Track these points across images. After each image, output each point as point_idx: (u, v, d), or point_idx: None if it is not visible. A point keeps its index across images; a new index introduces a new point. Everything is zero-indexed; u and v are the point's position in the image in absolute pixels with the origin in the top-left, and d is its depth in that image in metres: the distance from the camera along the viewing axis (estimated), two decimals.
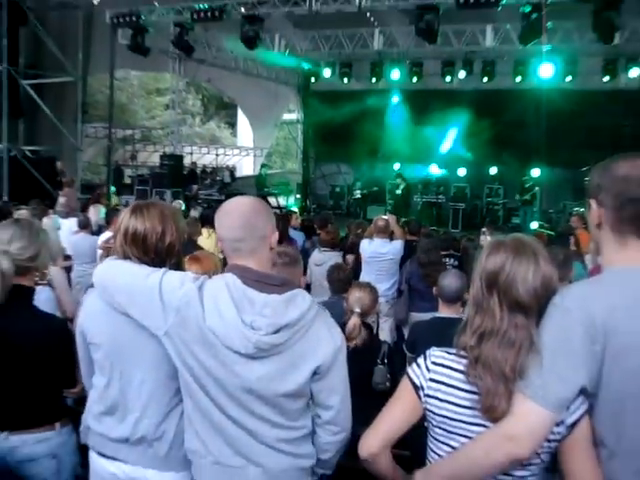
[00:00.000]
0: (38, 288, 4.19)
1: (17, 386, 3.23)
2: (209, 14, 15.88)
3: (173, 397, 2.67)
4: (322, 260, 8.12)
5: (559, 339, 2.08)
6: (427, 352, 2.41)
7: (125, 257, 2.70)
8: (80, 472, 3.40)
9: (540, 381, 2.07)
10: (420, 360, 2.40)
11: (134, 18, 16.87)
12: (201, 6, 15.97)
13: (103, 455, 2.80)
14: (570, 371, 2.05)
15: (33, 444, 3.25)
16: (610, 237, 2.22)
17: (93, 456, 2.86)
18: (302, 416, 2.53)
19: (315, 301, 2.53)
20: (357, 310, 4.65)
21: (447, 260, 8.41)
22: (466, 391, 2.25)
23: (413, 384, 2.36)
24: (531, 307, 2.20)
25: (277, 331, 2.38)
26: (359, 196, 22.42)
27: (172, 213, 2.82)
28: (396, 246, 8.65)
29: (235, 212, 2.55)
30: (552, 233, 14.84)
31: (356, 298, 4.77)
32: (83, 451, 3.21)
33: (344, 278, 5.99)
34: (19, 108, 17.99)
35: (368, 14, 17.43)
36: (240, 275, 2.45)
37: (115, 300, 2.62)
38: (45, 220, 9.36)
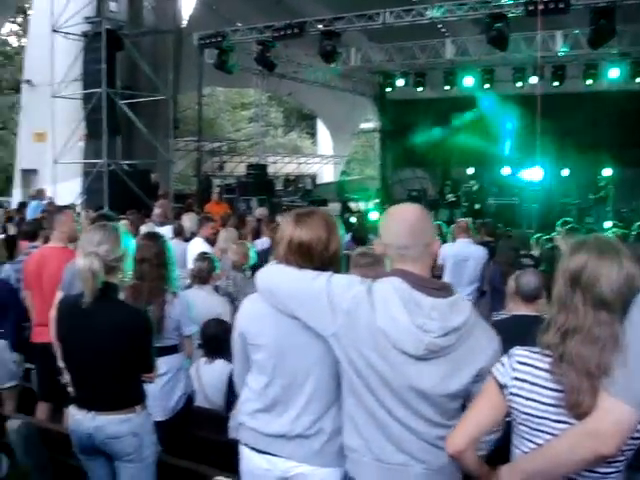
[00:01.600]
0: (180, 293, 4.90)
1: (103, 372, 3.47)
2: (289, 32, 16.57)
3: (332, 395, 2.72)
4: None
5: None
6: (511, 351, 2.42)
7: (287, 264, 2.76)
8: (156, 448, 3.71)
9: (625, 379, 2.05)
10: (504, 359, 2.41)
11: (219, 39, 17.78)
12: (281, 24, 16.68)
13: (256, 450, 2.86)
14: None
15: (117, 424, 3.46)
16: None
17: (245, 451, 2.92)
18: (457, 415, 2.53)
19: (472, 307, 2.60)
20: None
21: (524, 260, 8.15)
22: (550, 389, 2.27)
23: (498, 383, 2.36)
24: (615, 304, 2.19)
25: (446, 334, 2.43)
26: (452, 200, 22.27)
27: (333, 222, 2.86)
28: (479, 248, 8.83)
29: (402, 219, 2.61)
30: (626, 232, 15.07)
31: None
32: None
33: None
34: (117, 126, 19.17)
35: (439, 25, 18.08)
36: (405, 279, 2.50)
37: (281, 302, 2.69)
38: (143, 228, 9.87)
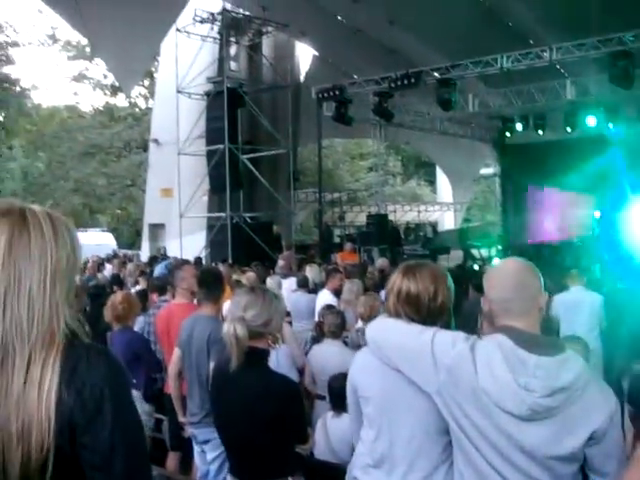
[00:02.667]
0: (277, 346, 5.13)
1: (254, 440, 3.39)
2: (405, 82, 16.46)
3: (442, 452, 2.67)
4: None
5: None
6: None
7: (397, 316, 2.77)
8: None
9: None
10: None
11: (337, 92, 17.90)
12: (398, 75, 16.63)
13: None
14: None
15: None
16: None
17: None
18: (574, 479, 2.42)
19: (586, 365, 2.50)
20: None
21: None
22: None
23: None
24: None
25: (551, 394, 2.33)
26: (572, 245, 21.53)
27: (442, 274, 2.87)
28: (592, 294, 8.58)
29: (506, 273, 2.58)
30: None
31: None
32: None
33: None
34: (239, 180, 19.73)
35: (558, 66, 17.77)
36: (510, 336, 2.42)
37: (387, 356, 2.69)
38: (268, 280, 10.06)
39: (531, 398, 2.31)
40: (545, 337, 2.57)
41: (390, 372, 2.67)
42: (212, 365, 4.25)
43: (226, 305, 5.10)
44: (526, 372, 2.34)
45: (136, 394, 5.88)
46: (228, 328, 3.33)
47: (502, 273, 2.60)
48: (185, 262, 8.72)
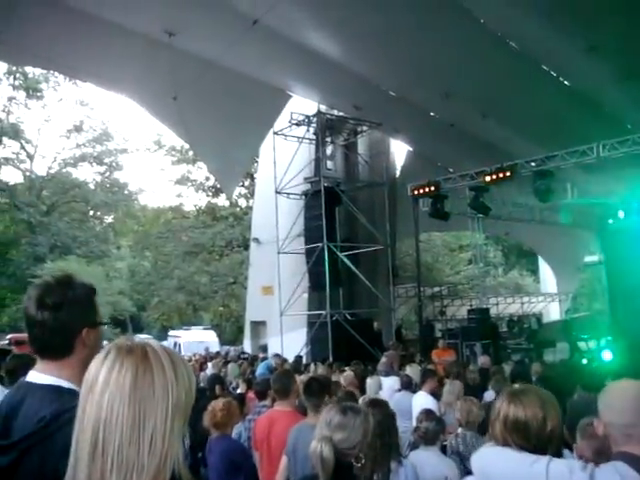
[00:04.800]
0: (405, 461, 4.70)
1: None
2: (501, 175, 16.42)
3: None
4: None
5: None
6: None
7: (505, 444, 2.66)
8: None
9: None
10: None
11: (432, 188, 17.98)
12: (492, 168, 16.59)
13: None
14: None
15: None
16: None
17: None
18: None
19: None
20: None
21: None
22: None
23: None
24: None
25: None
26: None
27: (550, 399, 2.76)
28: None
29: (628, 395, 2.48)
30: None
31: None
32: None
33: None
34: (338, 277, 19.90)
35: None
36: (632, 465, 2.30)
37: None
38: (368, 381, 9.84)
39: None
40: None
41: None
42: None
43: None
44: None
45: None
46: (315, 447, 3.24)
47: (622, 395, 2.49)
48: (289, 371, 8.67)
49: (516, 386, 2.97)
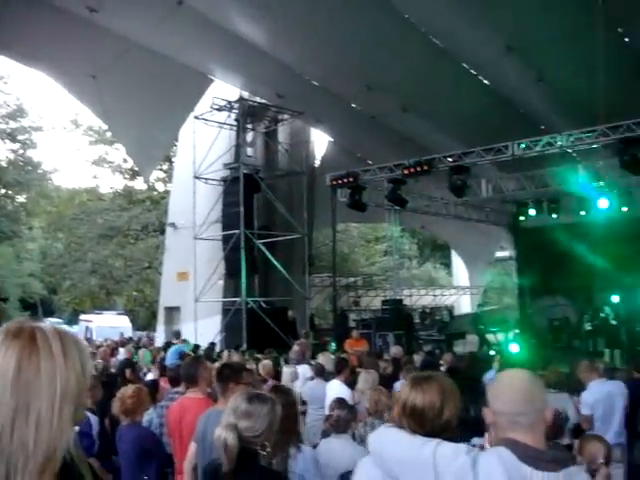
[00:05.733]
0: (304, 448, 4.74)
1: None
2: (418, 168, 16.59)
3: None
4: (552, 402, 7.66)
5: None
6: None
7: (400, 427, 2.74)
8: None
9: None
10: None
11: (351, 179, 18.08)
12: (411, 162, 16.74)
13: None
14: None
15: None
16: None
17: None
18: None
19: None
20: (602, 461, 4.55)
21: None
22: None
23: None
24: None
25: None
26: (590, 328, 21.49)
27: (450, 388, 2.82)
28: (618, 384, 8.29)
29: (515, 386, 2.54)
30: None
31: (596, 450, 4.69)
32: None
33: (559, 424, 5.88)
34: (254, 265, 19.87)
35: (570, 150, 17.93)
36: (514, 450, 2.37)
37: (389, 468, 2.65)
38: (285, 370, 10.15)
39: None
40: (550, 452, 2.50)
41: None
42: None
43: None
44: None
45: None
46: (219, 434, 3.29)
47: (510, 386, 2.54)
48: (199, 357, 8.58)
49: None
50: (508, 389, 2.53)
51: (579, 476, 2.40)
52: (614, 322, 20.27)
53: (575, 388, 8.50)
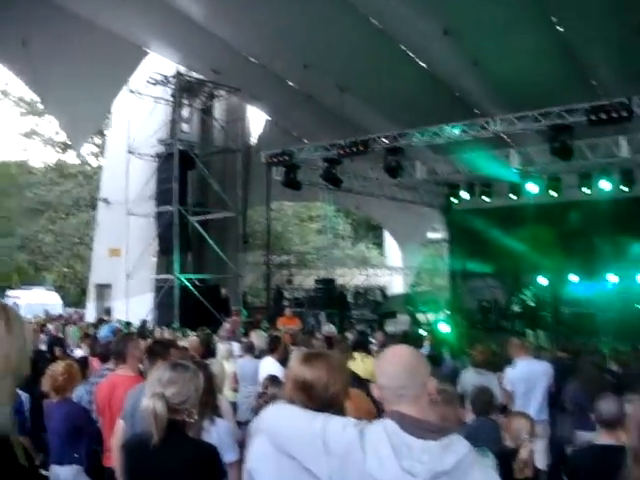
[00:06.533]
0: (217, 420, 4.78)
1: None
2: (354, 149, 16.79)
3: None
4: (479, 381, 7.73)
5: None
6: None
7: (292, 402, 2.82)
8: None
9: None
10: None
11: (286, 157, 18.20)
12: (346, 142, 16.94)
13: None
14: None
15: None
16: None
17: None
18: None
19: (472, 447, 2.51)
20: (526, 437, 4.65)
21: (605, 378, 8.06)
22: None
23: None
24: None
25: (434, 478, 2.36)
26: (518, 310, 21.88)
27: (339, 364, 2.94)
28: (544, 365, 8.51)
29: (398, 360, 2.61)
30: None
31: (520, 426, 4.79)
32: None
33: (487, 400, 6.05)
34: (188, 242, 19.71)
35: (503, 135, 18.23)
36: (398, 421, 2.46)
37: (280, 443, 2.71)
38: (219, 346, 10.13)
39: None
40: (433, 422, 2.59)
41: (285, 459, 2.67)
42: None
43: None
44: (411, 456, 2.37)
45: (77, 469, 5.74)
46: (147, 404, 3.34)
47: (394, 360, 2.63)
48: (130, 334, 8.50)
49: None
50: (392, 364, 2.61)
51: (459, 443, 2.44)
52: (540, 304, 20.82)
53: (502, 367, 8.71)
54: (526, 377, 8.20)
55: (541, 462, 6.66)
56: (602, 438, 4.62)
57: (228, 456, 4.71)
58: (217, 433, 4.62)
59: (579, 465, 4.76)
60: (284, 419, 2.76)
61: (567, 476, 4.80)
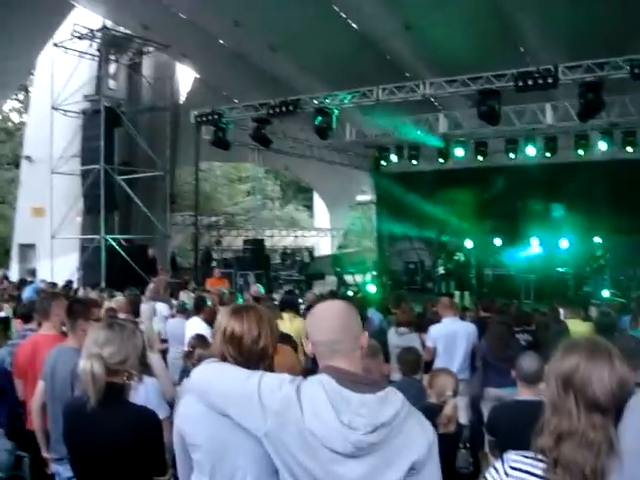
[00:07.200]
0: (145, 378, 4.61)
1: (113, 475, 3.31)
2: (284, 109, 16.77)
3: None
4: (401, 341, 8.06)
5: (639, 443, 2.01)
6: (504, 456, 2.36)
7: (222, 356, 2.79)
8: None
9: None
10: (498, 465, 2.34)
11: (216, 116, 18.03)
12: (276, 102, 16.88)
13: None
14: None
15: None
16: None
17: None
18: None
19: (405, 399, 2.54)
20: (450, 393, 4.73)
21: (521, 336, 8.34)
22: None
23: None
24: (608, 407, 2.14)
25: (374, 430, 2.37)
26: (443, 272, 22.19)
27: (269, 317, 2.91)
28: (467, 325, 8.67)
29: (331, 315, 2.61)
30: (624, 301, 15.01)
31: (444, 383, 4.89)
32: None
33: (415, 360, 6.18)
34: (114, 202, 19.37)
35: (432, 99, 18.40)
36: (334, 376, 2.46)
37: (213, 402, 2.66)
38: (143, 306, 9.94)
39: (355, 435, 2.35)
40: (367, 376, 2.62)
41: (218, 418, 2.64)
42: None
43: None
44: (349, 410, 2.37)
45: None
46: (84, 365, 3.27)
47: (326, 315, 2.62)
48: (55, 293, 8.35)
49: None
50: (325, 319, 2.61)
51: (394, 396, 2.48)
52: (465, 266, 21.24)
53: (426, 327, 8.89)
54: (449, 335, 8.38)
55: (463, 419, 6.73)
56: (522, 393, 4.81)
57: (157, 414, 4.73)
58: (145, 392, 4.55)
59: (499, 420, 4.90)
60: (216, 377, 2.71)
61: (488, 431, 4.95)
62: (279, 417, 2.44)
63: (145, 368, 4.77)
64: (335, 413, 2.38)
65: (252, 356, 2.77)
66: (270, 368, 2.79)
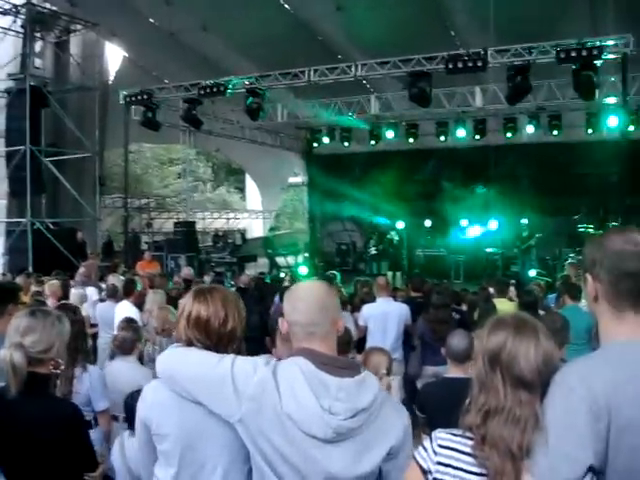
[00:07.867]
0: (90, 367, 4.76)
1: (35, 472, 3.18)
2: (214, 89, 16.74)
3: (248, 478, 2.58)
4: None
5: (563, 418, 2.01)
6: (433, 434, 2.35)
7: (188, 341, 2.71)
8: None
9: (547, 461, 2.00)
10: (426, 443, 2.34)
11: (145, 96, 17.84)
12: (207, 82, 16.82)
13: None
14: (576, 450, 1.94)
15: None
16: (607, 311, 2.16)
17: None
18: None
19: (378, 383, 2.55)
20: (384, 372, 4.77)
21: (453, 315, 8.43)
22: (474, 473, 2.21)
23: (421, 468, 2.30)
24: (534, 384, 2.17)
25: (354, 415, 2.36)
26: (375, 252, 22.49)
27: (235, 299, 2.84)
28: (400, 306, 8.81)
29: (311, 295, 2.58)
30: (549, 280, 15.39)
31: (379, 361, 4.97)
32: None
33: (346, 340, 6.15)
34: (41, 184, 18.87)
35: (364, 81, 18.49)
36: (310, 358, 2.43)
37: (183, 388, 2.57)
38: (72, 291, 9.80)
39: (335, 421, 2.33)
40: (343, 359, 2.64)
41: (187, 405, 2.57)
42: None
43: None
44: (329, 395, 2.36)
45: None
46: (5, 355, 3.14)
47: (306, 296, 2.59)
48: None
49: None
50: (303, 299, 2.57)
51: (370, 380, 2.49)
52: (396, 247, 21.53)
53: (357, 307, 9.07)
54: (382, 315, 8.52)
55: (397, 398, 6.89)
56: (451, 371, 4.93)
57: (99, 404, 4.69)
58: (90, 381, 4.57)
59: (429, 397, 5.02)
60: (183, 363, 2.62)
61: (418, 409, 4.99)
62: (255, 402, 2.39)
63: (86, 356, 4.74)
64: (315, 398, 2.36)
65: (221, 339, 2.70)
66: (239, 350, 2.73)
